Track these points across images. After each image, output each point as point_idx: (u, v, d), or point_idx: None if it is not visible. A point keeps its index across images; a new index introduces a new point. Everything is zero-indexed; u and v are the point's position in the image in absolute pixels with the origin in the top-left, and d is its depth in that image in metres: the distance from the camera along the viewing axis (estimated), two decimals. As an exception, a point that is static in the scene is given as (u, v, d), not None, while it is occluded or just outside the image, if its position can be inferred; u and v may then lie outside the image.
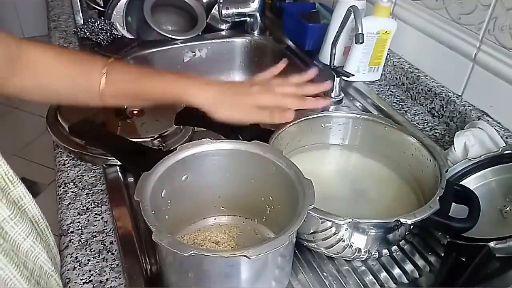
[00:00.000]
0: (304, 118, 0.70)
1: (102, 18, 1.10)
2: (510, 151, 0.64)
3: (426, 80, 0.91)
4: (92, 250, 0.58)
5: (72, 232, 0.61)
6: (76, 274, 0.55)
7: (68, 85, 0.60)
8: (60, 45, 1.06)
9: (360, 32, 0.83)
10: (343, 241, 0.56)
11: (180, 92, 0.60)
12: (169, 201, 0.56)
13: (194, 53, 1.12)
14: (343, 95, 0.95)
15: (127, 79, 0.61)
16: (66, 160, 0.72)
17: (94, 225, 0.62)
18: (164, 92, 0.61)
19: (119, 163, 0.70)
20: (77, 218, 0.63)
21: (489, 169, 0.65)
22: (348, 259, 0.61)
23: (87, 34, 1.07)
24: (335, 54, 0.91)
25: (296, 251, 0.61)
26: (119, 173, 0.70)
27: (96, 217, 0.63)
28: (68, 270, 0.56)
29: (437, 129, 0.86)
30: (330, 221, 0.54)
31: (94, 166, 0.71)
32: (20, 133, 2.28)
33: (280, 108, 0.64)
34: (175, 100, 0.62)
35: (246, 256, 0.44)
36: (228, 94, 0.62)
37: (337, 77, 0.91)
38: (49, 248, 0.52)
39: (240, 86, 0.66)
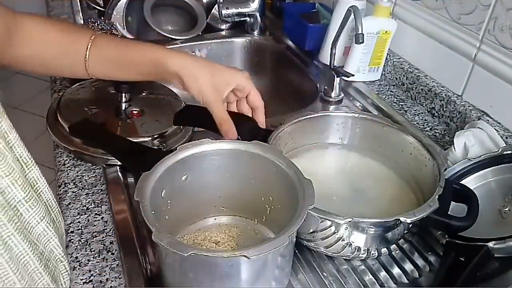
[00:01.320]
0: (303, 118, 0.70)
1: (102, 18, 1.10)
2: (510, 151, 0.64)
3: (426, 80, 0.91)
4: (92, 250, 0.58)
5: (72, 232, 0.61)
6: (76, 274, 0.55)
7: (57, 53, 0.62)
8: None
9: (360, 32, 0.83)
10: (343, 240, 0.56)
11: (161, 57, 0.62)
12: (169, 201, 0.56)
13: (194, 53, 1.12)
14: (343, 95, 0.95)
15: (111, 45, 0.63)
16: (66, 160, 0.72)
17: (94, 225, 0.62)
18: (145, 56, 0.63)
19: (119, 163, 0.70)
20: (77, 218, 0.63)
21: (488, 169, 0.65)
22: (347, 258, 0.61)
23: (87, 34, 1.07)
24: (335, 54, 0.91)
25: (296, 251, 0.61)
26: (119, 173, 0.70)
27: (96, 217, 0.63)
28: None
29: (437, 129, 0.86)
30: (329, 220, 0.54)
31: (94, 166, 0.71)
32: (20, 133, 2.28)
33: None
34: (156, 66, 0.62)
35: (246, 256, 0.44)
36: (207, 67, 0.63)
37: (337, 77, 0.92)
38: (60, 234, 0.53)
39: (222, 66, 0.66)
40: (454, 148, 0.71)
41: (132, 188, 0.68)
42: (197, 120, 0.76)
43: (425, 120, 0.89)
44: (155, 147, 0.72)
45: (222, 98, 0.65)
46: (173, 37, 1.10)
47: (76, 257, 0.57)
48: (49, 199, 0.51)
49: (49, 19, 0.64)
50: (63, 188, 0.67)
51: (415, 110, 0.91)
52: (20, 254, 0.44)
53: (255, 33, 1.19)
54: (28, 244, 0.45)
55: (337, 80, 0.92)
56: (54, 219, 0.51)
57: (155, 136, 0.73)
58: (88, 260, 0.57)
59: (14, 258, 0.43)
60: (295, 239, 0.55)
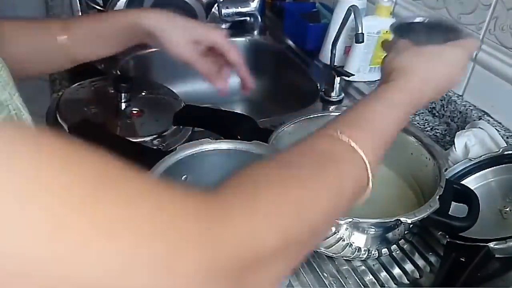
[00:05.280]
0: (304, 118, 0.70)
1: (102, 18, 1.10)
2: (510, 152, 0.64)
3: (426, 80, 0.90)
4: (91, 250, 0.58)
5: (71, 232, 0.60)
6: (75, 274, 0.55)
7: (32, 46, 0.60)
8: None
9: (360, 31, 0.82)
10: (343, 240, 0.56)
11: (134, 18, 0.61)
12: (168, 201, 0.56)
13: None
14: (343, 95, 0.95)
15: (85, 22, 0.63)
16: (66, 160, 0.72)
17: (94, 225, 0.62)
18: (119, 23, 0.62)
19: (118, 163, 0.70)
20: (77, 218, 0.62)
21: (489, 169, 0.65)
22: (348, 258, 0.61)
23: (87, 34, 1.07)
24: (335, 54, 0.91)
25: (296, 251, 0.61)
26: (119, 173, 0.70)
27: (96, 217, 0.63)
28: (67, 270, 0.55)
29: (437, 129, 0.86)
30: (330, 221, 0.53)
31: (94, 166, 0.71)
32: (20, 133, 2.27)
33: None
34: (132, 29, 0.62)
35: (246, 257, 0.43)
36: (182, 20, 0.63)
37: (337, 77, 0.91)
38: None
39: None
40: (455, 148, 0.71)
41: (132, 188, 0.67)
42: (197, 120, 0.76)
43: (425, 120, 0.88)
44: (154, 147, 0.71)
45: (198, 54, 0.64)
46: (173, 37, 1.10)
47: (76, 258, 0.57)
48: None
49: (16, 20, 0.61)
50: (62, 188, 0.67)
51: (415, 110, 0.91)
52: None
53: (255, 32, 1.19)
54: None
55: (337, 80, 0.92)
56: None
57: (155, 136, 0.73)
58: (88, 261, 0.57)
59: None
60: (295, 240, 0.54)
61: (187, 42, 0.62)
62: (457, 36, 0.51)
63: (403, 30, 0.53)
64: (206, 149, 0.58)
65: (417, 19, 0.55)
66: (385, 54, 0.48)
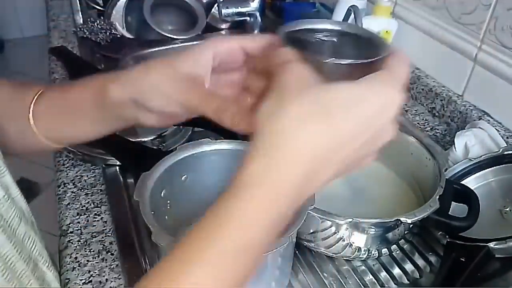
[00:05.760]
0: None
1: (102, 17, 1.10)
2: (510, 152, 0.64)
3: (426, 80, 0.90)
4: (91, 250, 0.58)
5: (71, 232, 0.61)
6: (75, 274, 0.55)
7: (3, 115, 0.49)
8: (59, 45, 1.05)
9: (360, 31, 0.82)
10: (343, 240, 0.56)
11: (101, 83, 0.43)
12: (168, 202, 0.56)
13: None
14: (343, 95, 0.94)
15: (55, 90, 0.49)
16: (66, 160, 0.72)
17: (94, 226, 0.62)
18: (85, 89, 0.45)
19: (118, 163, 0.70)
20: (77, 219, 0.63)
21: (489, 169, 0.65)
22: (348, 258, 0.61)
23: (87, 33, 1.07)
24: (335, 53, 0.91)
25: (296, 251, 0.61)
26: (119, 173, 0.70)
27: (96, 218, 0.63)
28: (67, 270, 0.56)
29: (437, 129, 0.86)
30: (330, 220, 0.54)
31: (94, 166, 0.71)
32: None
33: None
34: (101, 97, 0.43)
35: (246, 257, 0.43)
36: (161, 65, 0.42)
37: (337, 76, 0.91)
38: (42, 244, 0.50)
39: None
40: (455, 148, 0.71)
41: (132, 188, 0.67)
42: (197, 120, 0.76)
43: (425, 120, 0.88)
44: (154, 147, 0.71)
45: (203, 88, 0.43)
46: (173, 37, 1.10)
47: (76, 258, 0.57)
48: (23, 206, 0.47)
49: None
50: (62, 188, 0.67)
51: (415, 110, 0.91)
52: (6, 256, 0.41)
53: (255, 32, 1.19)
54: (14, 245, 0.43)
55: (337, 80, 0.91)
56: (32, 225, 0.48)
57: (155, 136, 0.73)
58: (88, 261, 0.57)
59: (2, 258, 0.41)
60: (295, 240, 0.54)
61: (181, 85, 0.41)
62: (376, 52, 0.34)
63: (291, 43, 0.34)
64: (206, 149, 0.58)
65: (311, 25, 0.35)
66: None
